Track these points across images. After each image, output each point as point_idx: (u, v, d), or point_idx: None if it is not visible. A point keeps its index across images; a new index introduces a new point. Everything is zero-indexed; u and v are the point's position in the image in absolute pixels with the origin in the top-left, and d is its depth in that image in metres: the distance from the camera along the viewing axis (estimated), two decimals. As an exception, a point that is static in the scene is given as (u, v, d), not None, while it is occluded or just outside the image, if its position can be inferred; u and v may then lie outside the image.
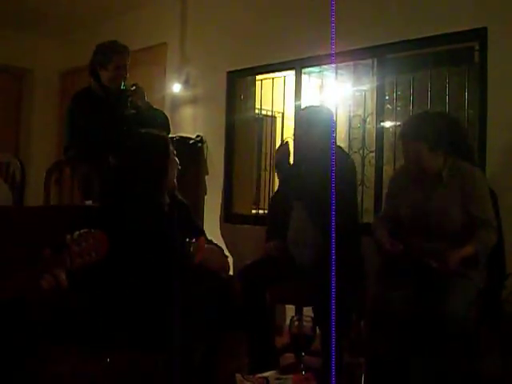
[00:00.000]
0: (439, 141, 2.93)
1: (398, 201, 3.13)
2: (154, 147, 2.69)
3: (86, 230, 1.74)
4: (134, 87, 3.90)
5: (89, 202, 3.60)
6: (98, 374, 1.91)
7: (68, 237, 1.72)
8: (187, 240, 2.47)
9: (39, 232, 2.46)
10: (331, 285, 1.59)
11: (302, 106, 4.82)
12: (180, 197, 2.82)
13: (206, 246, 2.54)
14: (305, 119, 3.57)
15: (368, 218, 4.41)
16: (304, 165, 3.46)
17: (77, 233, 1.73)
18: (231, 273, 3.15)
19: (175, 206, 2.74)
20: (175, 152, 2.75)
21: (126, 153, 2.77)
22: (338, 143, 4.41)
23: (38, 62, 7.45)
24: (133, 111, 3.88)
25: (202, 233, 2.79)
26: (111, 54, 3.87)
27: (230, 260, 4.11)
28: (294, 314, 3.52)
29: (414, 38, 4.10)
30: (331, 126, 3.52)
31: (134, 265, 2.35)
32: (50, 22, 6.84)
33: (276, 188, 4.15)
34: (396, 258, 2.90)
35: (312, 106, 3.90)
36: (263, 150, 5.93)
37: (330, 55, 4.10)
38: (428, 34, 4.00)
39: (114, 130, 3.68)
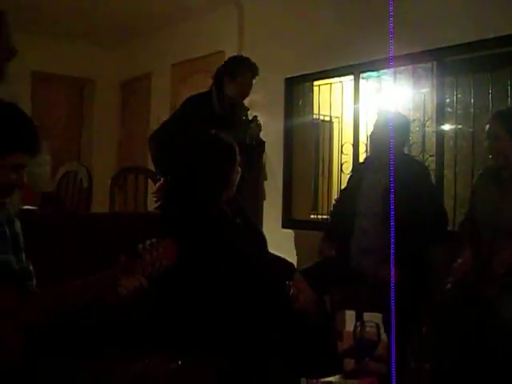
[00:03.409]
0: None
1: (478, 202, 3.07)
2: (222, 154, 2.63)
3: (156, 240, 1.79)
4: (255, 119, 3.85)
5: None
6: (169, 375, 1.96)
7: (140, 246, 1.78)
8: (287, 283, 2.48)
9: (109, 238, 2.54)
10: (399, 291, 1.59)
11: (359, 112, 4.84)
12: (240, 202, 2.84)
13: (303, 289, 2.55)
14: (383, 124, 3.50)
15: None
16: (382, 171, 3.39)
17: (148, 242, 1.79)
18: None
19: (237, 212, 2.75)
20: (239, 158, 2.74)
21: (191, 156, 2.72)
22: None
23: (99, 72, 7.64)
24: (248, 143, 3.81)
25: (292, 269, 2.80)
26: (245, 68, 3.84)
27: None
28: (355, 320, 3.53)
29: (474, 40, 4.05)
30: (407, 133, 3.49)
31: (205, 274, 2.38)
32: (110, 32, 7.01)
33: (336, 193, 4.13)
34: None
35: (387, 111, 3.87)
36: (320, 155, 5.93)
37: (389, 59, 4.07)
38: (488, 36, 3.95)
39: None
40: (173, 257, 1.80)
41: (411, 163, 3.48)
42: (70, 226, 2.62)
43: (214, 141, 2.66)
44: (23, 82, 6.53)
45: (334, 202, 4.15)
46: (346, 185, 3.92)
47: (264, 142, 4.98)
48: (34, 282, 1.90)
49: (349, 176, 3.81)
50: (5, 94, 2.66)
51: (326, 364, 2.97)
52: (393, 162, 2.86)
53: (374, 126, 3.56)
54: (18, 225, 1.93)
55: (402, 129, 3.44)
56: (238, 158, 2.68)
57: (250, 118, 3.90)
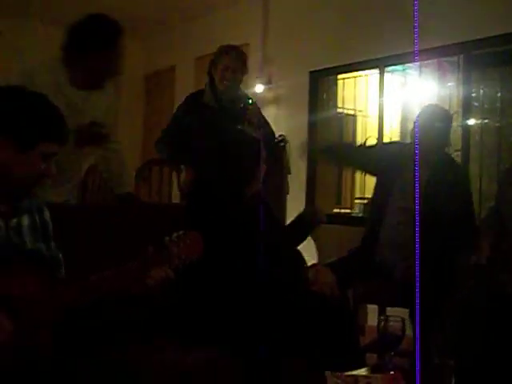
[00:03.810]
0: None
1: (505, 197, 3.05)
2: (245, 149, 2.66)
3: (182, 232, 1.81)
4: (250, 101, 3.88)
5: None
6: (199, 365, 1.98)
7: (167, 238, 1.80)
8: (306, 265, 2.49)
9: (135, 230, 2.57)
10: (424, 287, 1.59)
11: (384, 106, 4.81)
12: (264, 197, 2.84)
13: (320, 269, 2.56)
14: (430, 119, 3.44)
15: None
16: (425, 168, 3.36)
17: (175, 234, 1.80)
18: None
19: (261, 207, 2.76)
20: (264, 154, 2.75)
21: (217, 151, 2.76)
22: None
23: (123, 64, 7.67)
24: (250, 128, 3.82)
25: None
26: (219, 54, 3.85)
27: (316, 259, 4.16)
28: (378, 314, 3.53)
29: (500, 33, 4.00)
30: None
31: (227, 266, 2.40)
32: (135, 24, 7.03)
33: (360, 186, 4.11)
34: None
35: (434, 106, 3.81)
36: (344, 148, 5.91)
37: (414, 53, 4.04)
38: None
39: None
40: (199, 250, 1.81)
41: (452, 164, 3.43)
42: (97, 217, 2.65)
43: (238, 136, 2.75)
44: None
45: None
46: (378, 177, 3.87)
47: (283, 138, 4.98)
48: (63, 271, 1.93)
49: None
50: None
51: (348, 358, 2.98)
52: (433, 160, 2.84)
53: (421, 121, 3.47)
54: (47, 214, 1.97)
55: (447, 126, 3.37)
56: (264, 153, 2.69)
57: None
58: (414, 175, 3.30)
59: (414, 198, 3.18)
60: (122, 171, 3.21)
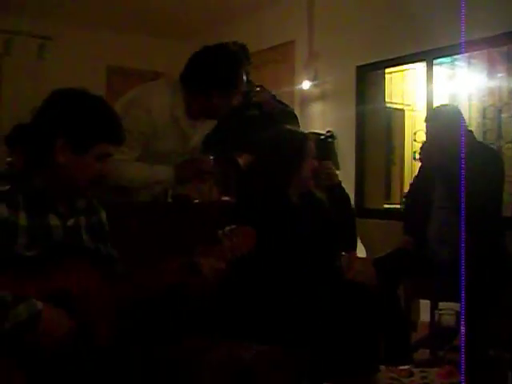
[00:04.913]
0: None
1: None
2: (289, 144, 2.67)
3: (235, 226, 1.84)
4: (258, 88, 3.95)
5: (225, 198, 3.73)
6: (250, 360, 2.00)
7: (220, 232, 1.83)
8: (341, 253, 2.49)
9: (186, 226, 2.61)
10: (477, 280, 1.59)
11: (433, 99, 4.75)
12: (318, 195, 2.83)
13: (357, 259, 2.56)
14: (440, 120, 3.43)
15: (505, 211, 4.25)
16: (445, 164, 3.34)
17: (228, 228, 1.84)
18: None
19: (309, 206, 2.75)
20: (314, 150, 2.73)
21: (260, 148, 2.79)
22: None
23: (168, 65, 7.75)
24: (256, 112, 3.91)
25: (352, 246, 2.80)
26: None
27: (364, 254, 4.15)
28: (431, 310, 3.50)
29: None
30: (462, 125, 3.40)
31: (271, 261, 2.41)
32: (179, 24, 7.10)
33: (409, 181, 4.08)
34: None
35: (443, 106, 3.80)
36: (392, 143, 5.88)
37: (461, 44, 3.98)
38: None
39: (237, 130, 3.73)
40: (251, 244, 1.84)
41: (484, 153, 3.37)
42: (148, 214, 2.70)
43: (284, 134, 2.75)
44: (98, 76, 6.77)
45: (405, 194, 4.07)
46: (417, 174, 3.85)
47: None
48: (120, 268, 1.98)
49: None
50: None
51: (398, 353, 2.97)
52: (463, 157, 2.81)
53: (428, 121, 3.46)
54: (103, 214, 2.02)
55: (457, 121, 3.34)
56: (311, 151, 2.70)
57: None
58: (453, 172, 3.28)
59: (453, 193, 3.16)
60: None
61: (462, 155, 2.68)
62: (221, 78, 2.75)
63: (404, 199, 3.99)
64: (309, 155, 2.70)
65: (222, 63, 2.78)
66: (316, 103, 5.80)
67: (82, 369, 1.65)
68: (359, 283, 2.56)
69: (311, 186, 2.77)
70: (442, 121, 3.35)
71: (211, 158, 2.85)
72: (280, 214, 2.57)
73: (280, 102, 4.07)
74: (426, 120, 3.41)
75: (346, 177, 5.42)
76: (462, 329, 1.80)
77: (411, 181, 3.99)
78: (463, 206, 1.89)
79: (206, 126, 2.98)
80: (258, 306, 2.33)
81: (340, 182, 3.05)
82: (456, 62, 5.08)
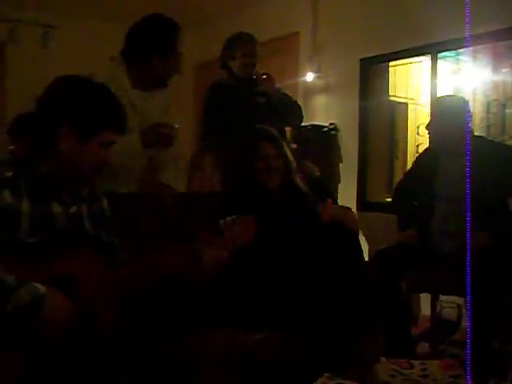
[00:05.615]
0: None
1: None
2: (246, 143, 2.79)
3: (236, 216, 1.85)
4: (264, 76, 4.00)
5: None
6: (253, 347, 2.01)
7: (221, 222, 1.84)
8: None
9: (190, 216, 2.62)
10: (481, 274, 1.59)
11: (437, 93, 4.73)
12: (298, 183, 2.81)
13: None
14: (445, 110, 3.43)
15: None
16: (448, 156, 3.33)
17: (229, 218, 1.84)
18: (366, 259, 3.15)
19: (289, 193, 2.75)
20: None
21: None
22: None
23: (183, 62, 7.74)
24: (263, 99, 3.97)
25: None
26: (237, 44, 3.98)
27: (365, 248, 4.14)
28: (431, 304, 3.51)
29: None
30: (467, 117, 3.40)
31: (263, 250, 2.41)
32: (184, 14, 7.08)
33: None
34: None
35: (448, 96, 3.79)
36: (395, 137, 5.88)
37: (466, 38, 3.96)
38: None
39: (247, 118, 3.77)
40: (252, 234, 1.85)
41: (486, 147, 3.37)
42: (151, 204, 2.71)
43: (251, 132, 2.85)
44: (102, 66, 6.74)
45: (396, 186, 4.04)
46: (409, 170, 3.85)
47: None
48: (121, 256, 1.99)
49: (416, 158, 3.73)
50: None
51: (400, 345, 2.98)
52: (469, 148, 2.81)
53: (432, 112, 3.47)
54: (105, 202, 2.03)
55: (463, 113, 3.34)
56: (268, 147, 2.71)
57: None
58: (453, 164, 3.29)
59: (458, 186, 3.16)
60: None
61: (468, 151, 2.69)
62: (156, 42, 2.84)
63: (394, 195, 3.94)
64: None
65: (156, 27, 2.88)
66: (319, 95, 5.80)
67: (83, 357, 1.66)
68: (337, 224, 2.55)
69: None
70: (448, 104, 3.36)
71: (176, 126, 2.98)
72: (258, 204, 2.55)
73: (284, 94, 4.10)
74: (432, 105, 3.43)
75: (349, 170, 5.44)
76: (468, 314, 1.80)
77: (401, 177, 3.99)
78: (469, 202, 1.88)
79: (158, 98, 3.04)
80: (259, 293, 2.33)
81: (320, 176, 3.08)
82: (460, 57, 5.07)
